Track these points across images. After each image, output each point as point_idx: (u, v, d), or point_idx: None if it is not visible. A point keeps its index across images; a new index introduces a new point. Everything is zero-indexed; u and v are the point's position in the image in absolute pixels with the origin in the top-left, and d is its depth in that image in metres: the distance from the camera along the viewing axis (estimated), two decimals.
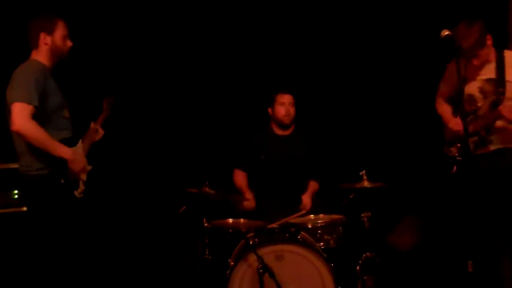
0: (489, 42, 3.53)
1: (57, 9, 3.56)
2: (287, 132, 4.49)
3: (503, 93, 3.48)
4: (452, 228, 4.40)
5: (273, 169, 4.39)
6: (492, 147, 3.59)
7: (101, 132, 3.73)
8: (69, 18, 3.52)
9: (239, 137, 4.64)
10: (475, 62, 3.54)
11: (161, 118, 5.13)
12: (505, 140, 3.57)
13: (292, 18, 5.24)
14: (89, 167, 3.51)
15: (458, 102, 3.44)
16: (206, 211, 3.80)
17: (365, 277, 3.92)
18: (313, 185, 4.45)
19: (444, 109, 3.90)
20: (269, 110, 4.48)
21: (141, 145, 5.06)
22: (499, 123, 3.53)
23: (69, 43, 3.46)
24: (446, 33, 3.17)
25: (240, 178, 4.48)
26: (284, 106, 4.39)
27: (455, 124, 3.67)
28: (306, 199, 4.31)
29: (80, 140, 3.50)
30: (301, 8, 5.22)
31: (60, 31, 3.41)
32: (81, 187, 3.43)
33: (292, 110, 4.41)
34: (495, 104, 3.51)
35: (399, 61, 5.13)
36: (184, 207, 3.99)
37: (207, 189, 3.76)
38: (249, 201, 4.29)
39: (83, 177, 3.45)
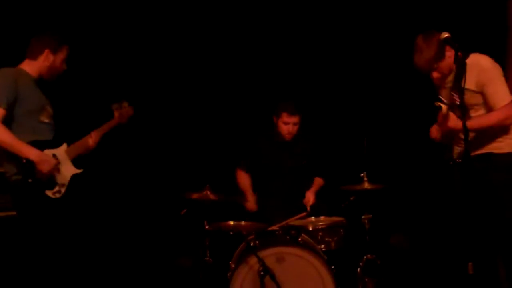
0: (448, 53, 3.37)
1: (55, 16, 3.60)
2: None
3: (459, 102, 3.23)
4: (452, 230, 4.40)
5: (276, 173, 4.40)
6: (474, 153, 3.44)
7: (93, 141, 3.68)
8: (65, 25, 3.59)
9: (243, 137, 4.64)
10: (435, 74, 3.44)
11: (162, 121, 5.13)
12: (485, 145, 3.46)
13: (297, 21, 5.25)
14: (78, 171, 3.52)
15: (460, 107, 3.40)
16: (207, 214, 3.80)
17: (365, 279, 3.92)
18: (318, 181, 4.46)
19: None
20: (274, 118, 4.44)
21: (143, 148, 5.07)
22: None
23: (64, 67, 3.60)
24: (446, 35, 3.17)
25: (243, 179, 4.48)
26: (287, 126, 4.35)
27: (431, 130, 3.64)
28: (310, 194, 4.31)
29: (65, 143, 3.51)
30: (304, 10, 5.23)
31: (63, 54, 3.56)
32: (58, 188, 3.41)
33: (295, 129, 4.37)
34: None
35: (399, 64, 5.11)
36: (185, 210, 3.99)
37: (208, 192, 3.77)
38: (249, 203, 4.30)
39: (61, 179, 3.43)
